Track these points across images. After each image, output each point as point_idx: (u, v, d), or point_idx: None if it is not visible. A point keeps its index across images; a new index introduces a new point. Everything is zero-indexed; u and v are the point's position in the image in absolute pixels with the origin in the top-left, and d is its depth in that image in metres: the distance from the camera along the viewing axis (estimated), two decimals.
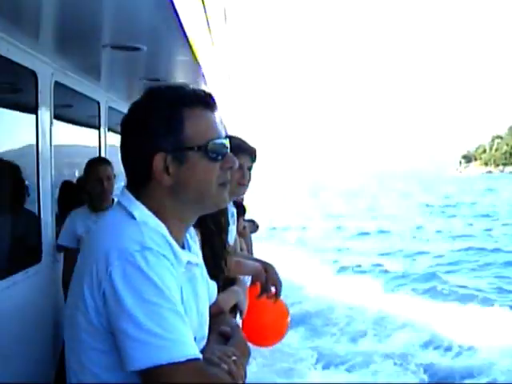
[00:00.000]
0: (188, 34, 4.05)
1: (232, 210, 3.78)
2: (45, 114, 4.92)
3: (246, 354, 1.87)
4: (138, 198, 1.70)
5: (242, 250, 4.59)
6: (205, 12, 5.66)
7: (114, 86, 6.84)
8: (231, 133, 3.10)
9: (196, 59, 4.85)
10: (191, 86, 1.78)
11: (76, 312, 1.58)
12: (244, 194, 3.78)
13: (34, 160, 4.77)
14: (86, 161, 5.17)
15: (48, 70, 4.96)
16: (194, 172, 1.69)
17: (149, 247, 1.55)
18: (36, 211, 4.81)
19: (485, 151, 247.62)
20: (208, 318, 1.86)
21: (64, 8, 3.65)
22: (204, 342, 1.79)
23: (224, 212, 3.10)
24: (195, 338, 1.60)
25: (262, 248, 20.37)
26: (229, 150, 1.76)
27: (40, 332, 4.67)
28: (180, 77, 5.94)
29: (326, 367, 11.42)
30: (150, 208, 1.69)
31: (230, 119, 12.98)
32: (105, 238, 1.61)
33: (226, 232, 3.19)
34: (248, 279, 3.81)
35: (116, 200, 1.76)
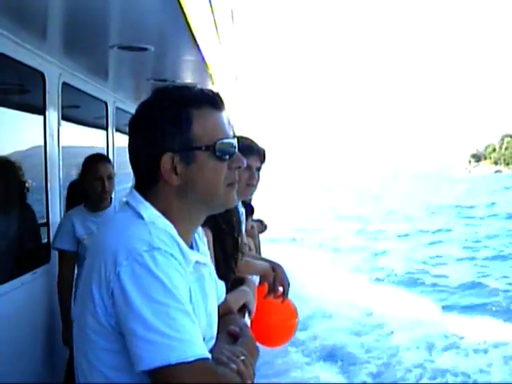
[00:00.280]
0: (195, 34, 4.05)
1: (241, 211, 3.77)
2: (53, 114, 4.94)
3: (255, 354, 1.86)
4: (146, 198, 1.70)
5: (250, 249, 4.59)
6: (212, 12, 5.66)
7: (121, 86, 6.86)
8: (240, 133, 3.09)
9: (203, 59, 4.85)
10: (199, 86, 1.77)
11: (85, 312, 1.58)
12: (252, 194, 3.77)
13: (41, 161, 4.79)
14: None
15: (56, 71, 4.98)
16: (201, 172, 1.69)
17: (157, 247, 1.54)
18: (44, 212, 4.83)
19: (494, 150, 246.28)
20: (217, 318, 1.85)
21: (71, 9, 3.66)
22: (213, 342, 1.79)
23: (235, 212, 3.10)
24: (204, 338, 1.60)
25: (293, 255, 19.40)
26: (237, 150, 1.75)
27: (48, 333, 4.68)
28: (187, 77, 5.95)
29: None
30: (158, 208, 1.68)
31: (238, 119, 12.99)
32: (113, 238, 1.61)
33: (240, 231, 3.19)
34: (256, 279, 3.81)
35: (124, 200, 1.75)
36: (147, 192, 1.71)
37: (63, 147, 5.13)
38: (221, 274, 2.13)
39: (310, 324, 12.80)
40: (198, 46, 4.35)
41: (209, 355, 1.54)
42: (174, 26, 3.95)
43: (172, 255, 1.57)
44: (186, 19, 3.66)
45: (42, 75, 4.72)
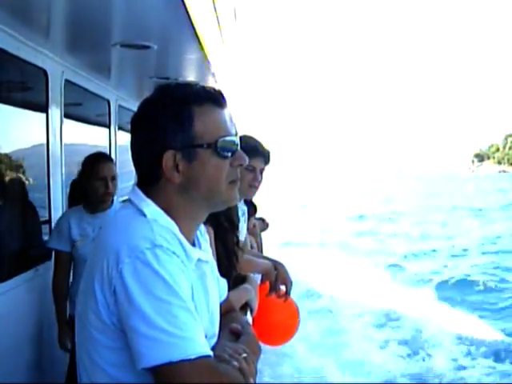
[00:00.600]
0: (198, 32, 4.05)
1: (243, 209, 3.78)
2: (55, 112, 4.94)
3: (257, 352, 1.86)
4: (148, 195, 1.70)
5: (252, 248, 4.59)
6: (215, 10, 5.66)
7: (123, 84, 6.86)
8: (243, 131, 3.09)
9: (206, 57, 4.85)
10: (201, 84, 1.77)
11: (87, 310, 1.58)
12: (254, 195, 3.79)
13: (44, 158, 4.79)
14: None
15: (58, 69, 4.98)
16: (203, 169, 1.69)
17: (159, 245, 1.54)
18: (47, 209, 4.84)
19: (498, 150, 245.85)
20: (219, 316, 1.85)
21: (74, 7, 3.67)
22: (215, 340, 1.78)
23: (235, 209, 3.11)
24: (206, 336, 1.59)
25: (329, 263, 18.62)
26: (239, 148, 1.75)
27: (50, 330, 4.68)
28: (190, 75, 5.95)
29: None
30: (160, 205, 1.69)
31: (241, 117, 13.00)
32: (115, 235, 1.61)
33: (237, 228, 3.21)
34: (258, 277, 3.81)
35: (126, 197, 1.76)
36: (149, 189, 1.71)
37: (65, 145, 5.13)
38: (223, 271, 2.13)
39: None
40: (200, 44, 4.35)
41: (211, 353, 1.54)
42: (177, 24, 3.95)
43: (174, 253, 1.57)
44: (189, 17, 3.67)
45: (45, 73, 4.72)
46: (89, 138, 6.84)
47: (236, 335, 1.89)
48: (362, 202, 54.85)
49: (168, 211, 1.69)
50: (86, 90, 5.96)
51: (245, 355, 1.69)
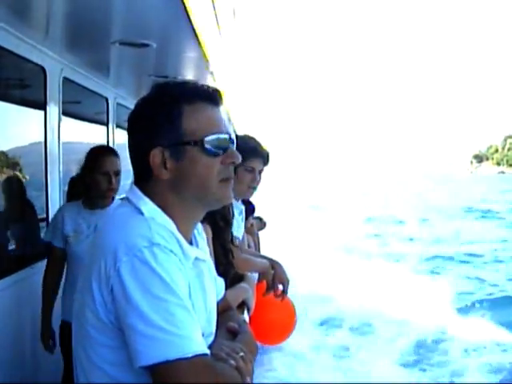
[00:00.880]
0: (197, 30, 4.05)
1: (241, 208, 3.79)
2: (53, 109, 4.94)
3: (254, 351, 1.86)
4: (145, 193, 1.71)
5: (249, 247, 4.60)
6: (214, 9, 5.67)
7: (122, 82, 6.86)
8: (244, 131, 3.11)
9: (205, 56, 4.85)
10: (197, 82, 1.77)
11: (84, 308, 1.58)
12: (252, 195, 3.82)
13: (42, 156, 4.79)
14: None
15: (57, 66, 4.98)
16: (192, 167, 1.69)
17: (157, 243, 1.54)
18: (44, 207, 4.83)
19: (497, 151, 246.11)
20: (216, 315, 1.85)
21: (73, 4, 3.66)
22: (212, 338, 1.78)
23: (230, 208, 3.12)
24: (203, 334, 1.59)
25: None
26: (232, 146, 1.74)
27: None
28: (189, 74, 5.95)
29: None
30: (157, 204, 1.69)
31: (240, 116, 13.00)
32: (113, 233, 1.61)
33: (232, 226, 3.22)
34: (255, 276, 3.81)
35: (124, 195, 1.76)
36: (144, 188, 1.72)
37: (63, 143, 5.13)
38: (221, 270, 2.13)
39: None
40: (199, 42, 4.35)
41: (207, 351, 1.54)
42: (176, 23, 3.95)
43: (171, 251, 1.57)
44: (188, 16, 3.67)
45: (43, 70, 4.72)
46: (87, 135, 6.84)
47: (233, 334, 1.89)
48: (366, 203, 51.99)
49: (165, 209, 1.69)
50: (84, 87, 5.96)
51: (242, 354, 1.69)
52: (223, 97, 1.78)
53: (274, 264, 3.75)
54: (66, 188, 5.15)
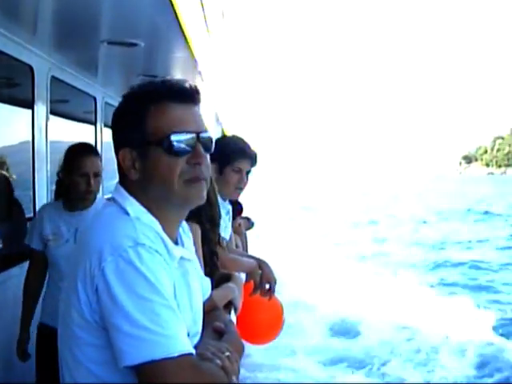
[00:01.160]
0: (185, 30, 4.06)
1: (228, 208, 3.79)
2: (41, 108, 4.92)
3: (240, 351, 1.87)
4: (130, 193, 1.71)
5: (237, 246, 4.60)
6: (202, 9, 5.67)
7: (110, 81, 6.85)
8: (230, 130, 3.11)
9: (193, 56, 4.85)
10: (176, 80, 1.75)
11: (70, 308, 1.58)
12: (239, 196, 3.82)
13: (29, 155, 4.77)
14: None
15: (45, 65, 4.96)
16: (156, 167, 1.68)
17: (142, 243, 1.55)
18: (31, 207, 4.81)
19: (486, 152, 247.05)
20: (202, 314, 1.85)
21: (62, 3, 3.66)
22: (198, 338, 1.79)
23: (216, 208, 3.11)
24: (188, 334, 1.60)
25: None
26: (199, 145, 1.70)
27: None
28: (177, 73, 5.95)
29: None
30: (142, 204, 1.69)
31: (230, 117, 12.98)
32: (98, 233, 1.61)
33: (218, 226, 3.21)
34: (243, 276, 3.82)
35: (110, 196, 1.76)
36: (129, 187, 1.72)
37: (51, 142, 5.11)
38: (207, 271, 2.13)
39: None
40: (187, 42, 4.35)
41: (193, 351, 1.54)
42: (165, 22, 3.95)
43: (157, 251, 1.57)
44: (176, 15, 3.67)
45: (31, 69, 4.70)
46: (75, 134, 6.81)
47: (219, 334, 1.89)
48: (366, 203, 50.87)
49: (150, 209, 1.69)
50: (72, 86, 5.94)
51: (228, 354, 1.70)
52: (199, 94, 1.76)
53: (261, 264, 3.76)
54: (54, 187, 5.13)
